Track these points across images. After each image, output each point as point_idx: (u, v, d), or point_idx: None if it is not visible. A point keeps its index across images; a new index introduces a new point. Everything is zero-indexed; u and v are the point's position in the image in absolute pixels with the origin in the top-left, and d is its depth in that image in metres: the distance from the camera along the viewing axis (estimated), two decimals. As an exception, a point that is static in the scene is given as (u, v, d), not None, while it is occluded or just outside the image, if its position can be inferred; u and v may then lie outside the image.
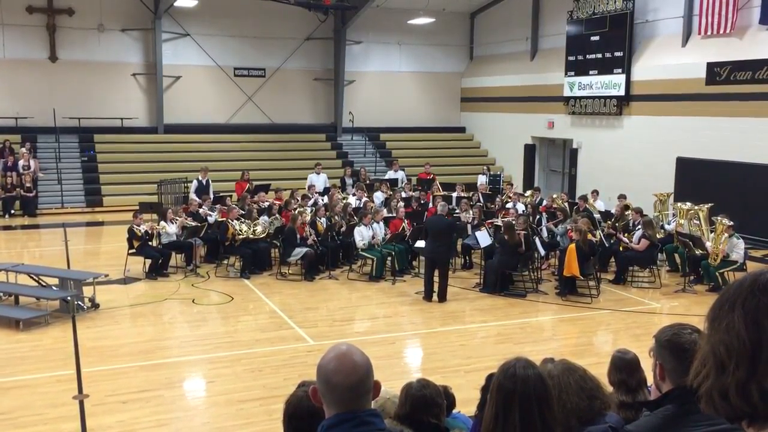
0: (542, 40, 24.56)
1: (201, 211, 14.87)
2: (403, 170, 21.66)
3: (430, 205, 15.43)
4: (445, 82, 28.24)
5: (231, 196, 16.59)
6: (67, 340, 9.63)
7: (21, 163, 20.53)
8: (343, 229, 14.18)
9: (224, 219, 13.89)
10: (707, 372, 1.36)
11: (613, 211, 15.33)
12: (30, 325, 10.12)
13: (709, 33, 17.89)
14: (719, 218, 12.69)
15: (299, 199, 15.91)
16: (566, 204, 16.11)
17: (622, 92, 20.41)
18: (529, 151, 24.84)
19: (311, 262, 13.32)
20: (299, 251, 13.21)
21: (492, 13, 27.13)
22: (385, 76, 27.40)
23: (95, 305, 11.07)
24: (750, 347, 1.28)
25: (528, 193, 18.10)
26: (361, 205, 15.56)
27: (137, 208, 15.35)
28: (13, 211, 20.01)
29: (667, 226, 14.58)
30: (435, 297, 11.88)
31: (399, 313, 11.42)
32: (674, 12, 19.14)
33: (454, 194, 17.72)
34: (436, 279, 11.89)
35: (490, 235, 13.19)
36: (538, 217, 15.26)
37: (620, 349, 4.14)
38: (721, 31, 17.54)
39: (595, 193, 16.94)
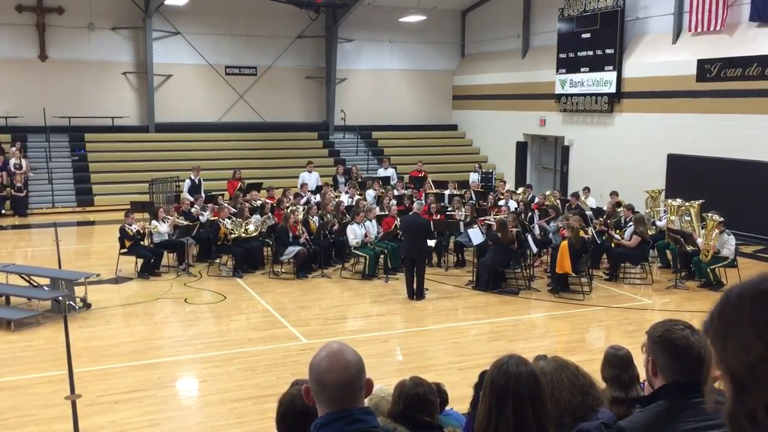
0: (533, 38, 24.59)
1: (193, 210, 14.84)
2: (395, 168, 21.68)
3: (423, 203, 15.43)
4: (436, 80, 28.25)
5: (223, 195, 16.57)
6: (58, 341, 9.59)
7: (12, 161, 20.42)
8: (336, 227, 14.18)
9: (216, 218, 13.86)
10: (726, 395, 1.27)
11: (604, 208, 15.38)
12: (21, 325, 10.07)
13: (699, 30, 17.95)
14: (710, 214, 12.74)
15: (291, 197, 15.89)
16: (558, 201, 16.16)
17: (613, 89, 20.46)
18: (521, 148, 24.88)
19: (304, 261, 13.31)
20: (292, 250, 13.20)
21: (483, 11, 27.15)
22: (377, 74, 27.39)
23: (87, 305, 11.03)
24: None
25: (520, 190, 18.13)
26: (354, 204, 15.55)
27: (129, 207, 15.29)
28: (3, 211, 19.91)
29: (658, 223, 14.63)
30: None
31: (392, 311, 11.42)
32: (665, 9, 19.20)
33: (447, 192, 17.74)
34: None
35: (482, 233, 13.21)
36: (530, 214, 15.29)
37: (613, 345, 4.15)
38: (712, 28, 17.61)
39: (587, 190, 16.99)
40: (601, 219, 14.74)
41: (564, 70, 22.15)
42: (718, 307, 1.31)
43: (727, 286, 1.32)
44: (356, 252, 13.56)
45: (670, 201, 14.68)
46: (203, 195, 16.89)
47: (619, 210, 14.62)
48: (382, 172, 20.94)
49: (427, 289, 12.15)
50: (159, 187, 20.11)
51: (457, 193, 17.34)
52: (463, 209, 15.00)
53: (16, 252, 16.11)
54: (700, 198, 14.18)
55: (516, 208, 15.28)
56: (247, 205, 14.92)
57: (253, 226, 13.86)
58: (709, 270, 12.46)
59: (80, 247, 16.94)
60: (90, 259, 15.02)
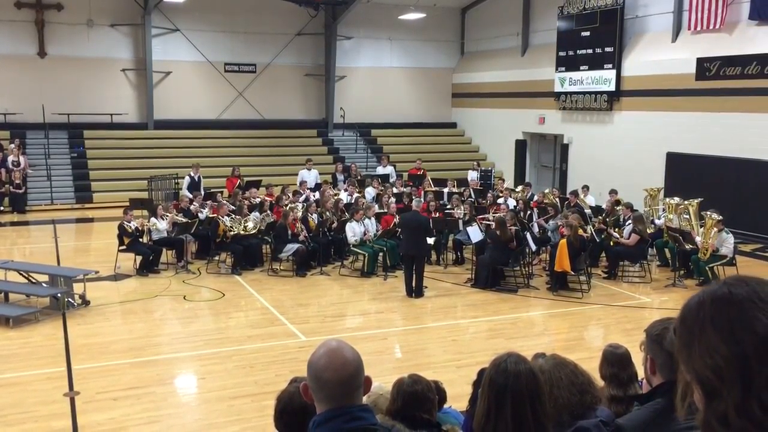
0: (533, 36, 24.58)
1: (192, 207, 14.83)
2: (393, 166, 21.68)
3: (422, 200, 15.43)
4: (436, 78, 28.23)
5: (222, 193, 16.56)
6: (57, 338, 9.59)
7: (11, 159, 20.40)
8: (335, 225, 14.17)
9: (215, 215, 13.86)
10: (697, 402, 1.28)
11: (603, 206, 15.38)
12: (20, 322, 10.07)
13: (698, 28, 17.95)
14: (709, 213, 12.74)
15: (290, 195, 15.88)
16: (557, 200, 16.15)
17: (612, 88, 20.46)
18: (520, 146, 24.88)
19: (303, 259, 13.31)
20: (291, 247, 13.20)
21: (483, 9, 27.14)
22: (376, 72, 27.37)
23: (86, 302, 11.02)
24: (737, 364, 1.21)
25: (519, 188, 18.13)
26: (353, 201, 15.55)
27: (127, 204, 15.28)
28: (2, 208, 19.90)
29: (657, 221, 14.63)
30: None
31: (390, 308, 11.42)
32: (664, 7, 19.20)
33: (446, 190, 17.73)
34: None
35: (481, 231, 13.21)
36: (529, 212, 15.29)
37: (612, 344, 4.16)
38: (711, 27, 17.60)
39: (586, 188, 16.98)
40: (600, 217, 14.74)
41: (563, 68, 22.14)
42: (680, 317, 1.33)
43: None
44: (355, 250, 13.56)
45: (668, 199, 14.69)
46: (202, 192, 16.88)
47: (618, 208, 14.62)
48: (380, 170, 20.93)
49: (426, 287, 12.15)
50: (158, 184, 20.09)
51: (456, 191, 17.33)
52: (462, 207, 14.99)
53: (15, 249, 16.10)
54: (699, 196, 14.19)
55: (515, 207, 15.28)
56: (246, 202, 14.91)
57: (252, 223, 13.85)
58: (707, 268, 12.47)
59: (79, 244, 16.93)
60: (89, 256, 15.02)
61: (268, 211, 14.72)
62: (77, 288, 11.15)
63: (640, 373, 3.36)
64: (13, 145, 20.86)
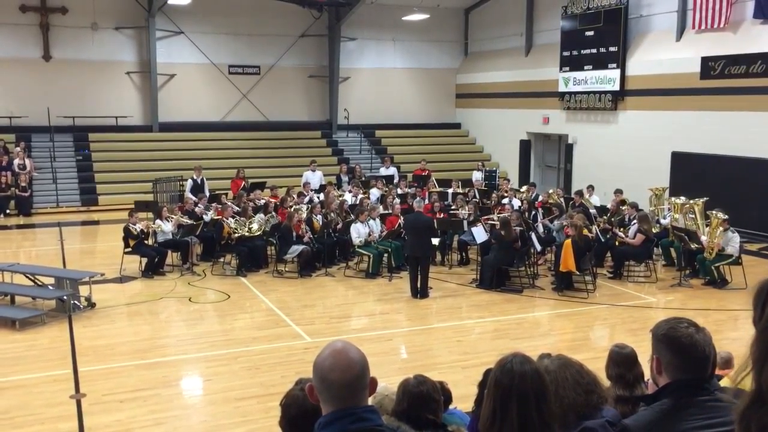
0: (537, 36, 24.55)
1: (197, 209, 14.86)
2: (397, 167, 21.67)
3: (426, 201, 15.45)
4: (439, 79, 28.22)
5: (226, 194, 16.58)
6: (63, 340, 9.61)
7: (16, 162, 20.46)
8: (339, 226, 14.18)
9: (220, 217, 13.88)
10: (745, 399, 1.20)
11: (608, 206, 15.36)
12: (26, 324, 10.10)
13: (703, 27, 17.91)
14: (714, 212, 12.72)
15: (295, 196, 15.90)
16: (562, 199, 16.13)
17: (616, 87, 20.43)
18: (525, 146, 24.86)
19: (307, 260, 13.32)
20: (295, 249, 13.21)
21: (486, 9, 27.12)
22: (380, 73, 27.37)
23: (91, 304, 11.05)
24: None
25: (523, 188, 18.10)
26: (357, 202, 15.56)
27: (133, 206, 15.30)
28: (8, 211, 19.97)
29: (662, 221, 14.60)
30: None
31: (395, 309, 11.42)
32: (668, 7, 19.16)
33: (450, 190, 17.72)
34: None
35: (486, 231, 13.20)
36: (533, 212, 15.27)
37: (618, 344, 4.16)
38: (715, 26, 17.57)
39: (591, 188, 16.95)
40: (604, 217, 14.72)
41: (567, 68, 22.11)
42: None
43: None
44: (360, 251, 13.56)
45: (674, 199, 14.65)
46: (207, 194, 16.91)
47: (623, 208, 14.60)
48: (384, 171, 20.94)
49: (431, 288, 12.14)
50: (163, 186, 20.14)
51: (461, 191, 17.32)
52: (467, 208, 14.99)
53: (21, 251, 16.14)
54: (704, 195, 14.15)
55: (519, 207, 15.26)
56: (250, 204, 14.93)
57: (256, 225, 13.87)
58: (713, 268, 12.44)
59: (84, 247, 16.98)
60: (94, 258, 15.05)
61: (273, 213, 14.74)
62: (83, 290, 11.19)
63: (647, 373, 3.35)
64: (18, 148, 20.92)
